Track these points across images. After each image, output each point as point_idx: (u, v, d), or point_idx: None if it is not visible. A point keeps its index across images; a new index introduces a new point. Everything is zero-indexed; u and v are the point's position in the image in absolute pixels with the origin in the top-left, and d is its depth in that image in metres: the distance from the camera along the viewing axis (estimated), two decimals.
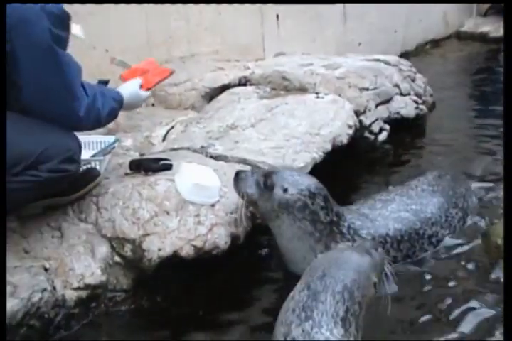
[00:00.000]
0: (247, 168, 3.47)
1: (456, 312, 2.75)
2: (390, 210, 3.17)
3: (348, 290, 2.16)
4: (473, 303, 2.80)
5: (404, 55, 7.44)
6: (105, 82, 3.22)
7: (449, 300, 2.84)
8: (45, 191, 2.78)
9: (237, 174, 3.03)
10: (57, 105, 2.68)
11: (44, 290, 2.67)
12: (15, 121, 2.61)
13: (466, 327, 2.65)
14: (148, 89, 3.35)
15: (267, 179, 2.93)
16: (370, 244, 2.49)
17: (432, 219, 3.22)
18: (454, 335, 2.61)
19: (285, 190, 2.89)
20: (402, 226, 3.11)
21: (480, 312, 2.74)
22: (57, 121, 2.73)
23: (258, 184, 2.95)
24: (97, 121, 2.90)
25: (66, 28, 2.63)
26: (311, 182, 2.95)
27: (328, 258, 2.24)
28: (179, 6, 5.19)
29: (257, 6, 6.13)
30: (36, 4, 2.49)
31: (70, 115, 2.72)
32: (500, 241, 3.00)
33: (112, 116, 3.02)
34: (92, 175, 3.18)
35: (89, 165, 3.28)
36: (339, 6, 7.11)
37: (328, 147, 3.94)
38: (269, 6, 6.23)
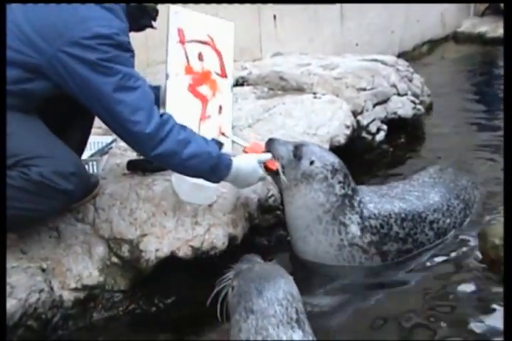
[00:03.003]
0: None
1: (453, 312, 2.76)
2: (396, 192, 3.33)
3: (289, 293, 2.20)
4: (469, 302, 2.82)
5: (402, 56, 7.44)
6: (219, 143, 3.07)
7: (445, 300, 2.85)
8: (35, 200, 2.60)
9: (272, 139, 3.18)
10: (111, 116, 2.63)
11: (41, 290, 2.66)
12: (35, 125, 2.68)
13: (464, 327, 2.66)
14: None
15: (297, 150, 3.12)
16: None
17: (434, 206, 3.32)
18: (451, 335, 2.62)
19: (311, 163, 3.09)
20: (407, 206, 3.24)
21: (477, 312, 2.75)
22: (121, 135, 2.71)
23: (289, 152, 3.11)
24: (169, 152, 2.69)
25: (123, 50, 2.61)
26: (336, 160, 3.16)
27: (249, 280, 2.22)
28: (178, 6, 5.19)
29: (255, 6, 6.13)
30: (95, 27, 2.53)
31: (129, 129, 2.62)
32: (497, 242, 2.99)
33: (201, 162, 2.75)
34: (90, 184, 3.08)
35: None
36: (337, 6, 7.12)
37: (326, 147, 3.94)
38: (267, 6, 6.23)
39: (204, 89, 3.22)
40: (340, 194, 3.09)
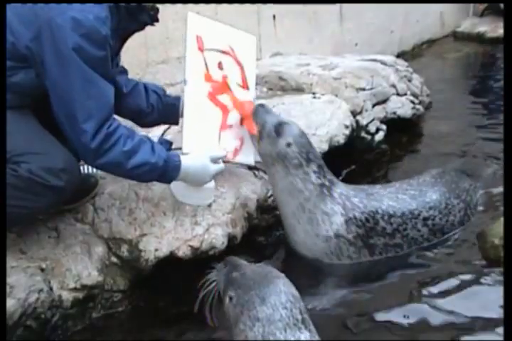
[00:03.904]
0: (244, 168, 3.47)
1: (452, 312, 2.76)
2: (388, 191, 3.35)
3: (291, 294, 2.20)
4: (468, 302, 2.82)
5: (401, 55, 7.45)
6: (168, 143, 3.04)
7: (444, 300, 2.85)
8: (26, 197, 2.59)
9: (262, 106, 3.20)
10: (65, 114, 2.58)
11: (41, 290, 2.67)
12: (26, 122, 2.67)
13: (463, 326, 2.66)
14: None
15: (279, 126, 3.10)
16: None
17: (430, 204, 3.34)
18: (450, 335, 2.62)
19: (288, 145, 3.08)
20: (397, 204, 3.27)
21: (476, 312, 2.75)
22: (68, 136, 2.62)
23: (271, 124, 3.11)
24: (112, 163, 2.65)
25: (96, 46, 2.54)
26: (313, 150, 3.18)
27: (248, 288, 2.22)
28: (178, 6, 5.19)
29: (255, 6, 6.13)
30: (70, 11, 2.48)
31: (77, 135, 2.57)
32: (497, 242, 3.00)
33: (146, 171, 2.71)
34: (89, 184, 3.13)
35: (85, 171, 3.27)
36: (336, 6, 7.12)
37: (325, 147, 3.94)
38: (267, 6, 6.23)
39: (224, 99, 3.19)
40: (316, 183, 3.12)
